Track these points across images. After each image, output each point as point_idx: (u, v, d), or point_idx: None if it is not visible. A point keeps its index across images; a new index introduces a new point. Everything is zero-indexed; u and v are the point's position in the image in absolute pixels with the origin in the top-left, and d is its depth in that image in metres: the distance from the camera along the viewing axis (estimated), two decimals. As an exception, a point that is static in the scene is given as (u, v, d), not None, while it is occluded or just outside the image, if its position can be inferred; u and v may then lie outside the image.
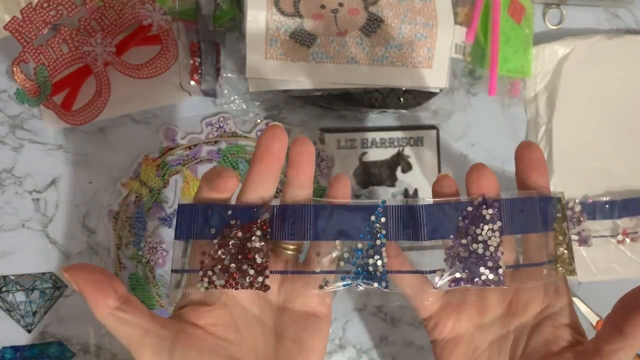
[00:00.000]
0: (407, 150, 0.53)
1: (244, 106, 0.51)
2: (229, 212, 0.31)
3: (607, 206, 0.54)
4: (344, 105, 0.49)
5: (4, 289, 0.49)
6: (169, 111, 0.51)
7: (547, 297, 0.33)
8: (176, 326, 0.30)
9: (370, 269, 0.31)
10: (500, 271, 0.31)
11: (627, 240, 0.54)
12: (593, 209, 0.54)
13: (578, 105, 0.55)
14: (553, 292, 0.33)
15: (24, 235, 0.49)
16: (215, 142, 0.51)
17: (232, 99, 0.50)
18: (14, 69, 0.45)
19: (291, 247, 0.33)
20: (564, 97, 0.54)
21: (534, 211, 0.33)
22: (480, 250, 0.31)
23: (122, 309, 0.29)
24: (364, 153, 0.53)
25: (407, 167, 0.53)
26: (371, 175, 0.53)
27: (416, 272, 0.32)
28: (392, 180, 0.53)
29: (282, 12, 0.44)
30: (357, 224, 0.31)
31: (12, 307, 0.49)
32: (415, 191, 0.53)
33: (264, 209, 0.31)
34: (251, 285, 0.30)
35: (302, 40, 0.45)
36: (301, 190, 0.32)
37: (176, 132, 0.50)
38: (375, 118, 0.53)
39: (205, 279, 0.30)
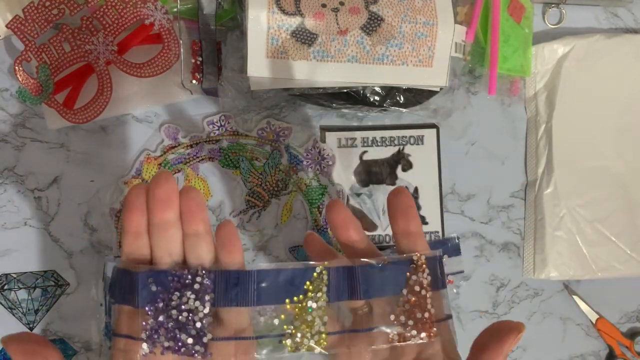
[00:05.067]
0: (408, 149, 0.53)
1: (245, 105, 0.51)
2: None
3: None
4: (344, 104, 0.49)
5: (6, 287, 0.49)
6: (170, 110, 0.51)
7: (418, 345, 0.34)
8: None
9: None
10: (205, 340, 0.31)
11: None
12: None
13: (578, 103, 0.55)
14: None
15: (25, 234, 0.49)
16: (217, 141, 0.51)
17: (233, 97, 0.50)
18: (16, 67, 0.45)
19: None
20: (564, 96, 0.55)
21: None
22: (182, 319, 0.31)
23: None
24: (365, 152, 0.53)
25: (408, 166, 0.53)
26: (372, 174, 0.53)
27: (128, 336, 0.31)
28: (392, 179, 0.53)
29: (283, 11, 0.44)
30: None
31: (14, 305, 0.49)
32: (416, 189, 0.53)
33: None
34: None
35: (303, 39, 0.45)
36: (196, 239, 0.32)
37: (178, 130, 0.50)
38: (375, 117, 0.53)
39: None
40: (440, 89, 0.49)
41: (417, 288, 0.33)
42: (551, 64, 0.55)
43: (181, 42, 0.46)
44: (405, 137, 0.53)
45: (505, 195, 0.56)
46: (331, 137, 0.52)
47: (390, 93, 0.48)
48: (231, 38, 0.50)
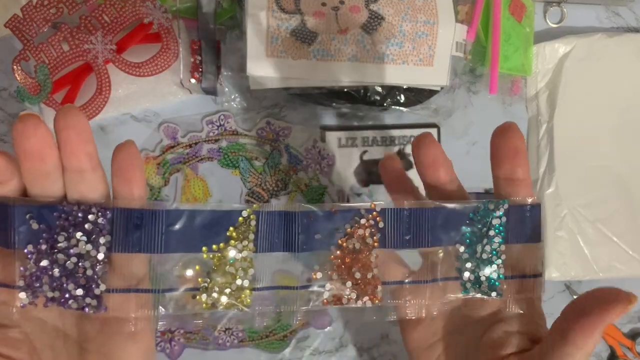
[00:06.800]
0: (408, 149, 0.53)
1: (245, 104, 0.51)
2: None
3: None
4: (344, 103, 0.49)
5: (4, 287, 0.49)
6: (169, 109, 0.50)
7: (501, 300, 0.32)
8: None
9: None
10: (98, 292, 0.26)
11: None
12: None
13: (579, 103, 0.55)
14: None
15: (24, 234, 0.49)
16: (216, 141, 0.51)
17: (232, 97, 0.50)
18: (15, 67, 0.45)
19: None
20: (565, 95, 0.54)
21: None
22: (70, 265, 0.26)
23: None
24: (365, 151, 0.53)
25: (408, 166, 0.53)
26: (372, 174, 0.53)
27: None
28: (393, 179, 0.53)
29: (283, 10, 0.44)
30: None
31: (13, 305, 0.49)
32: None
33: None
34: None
35: (303, 38, 0.45)
36: (79, 175, 0.26)
37: (177, 130, 0.50)
38: (376, 116, 0.53)
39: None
40: (441, 88, 0.49)
41: (356, 244, 0.29)
42: (552, 63, 0.55)
43: (180, 41, 0.46)
44: (406, 136, 0.53)
45: (506, 195, 0.56)
46: (331, 137, 0.52)
47: (390, 92, 0.48)
48: (231, 37, 0.50)
